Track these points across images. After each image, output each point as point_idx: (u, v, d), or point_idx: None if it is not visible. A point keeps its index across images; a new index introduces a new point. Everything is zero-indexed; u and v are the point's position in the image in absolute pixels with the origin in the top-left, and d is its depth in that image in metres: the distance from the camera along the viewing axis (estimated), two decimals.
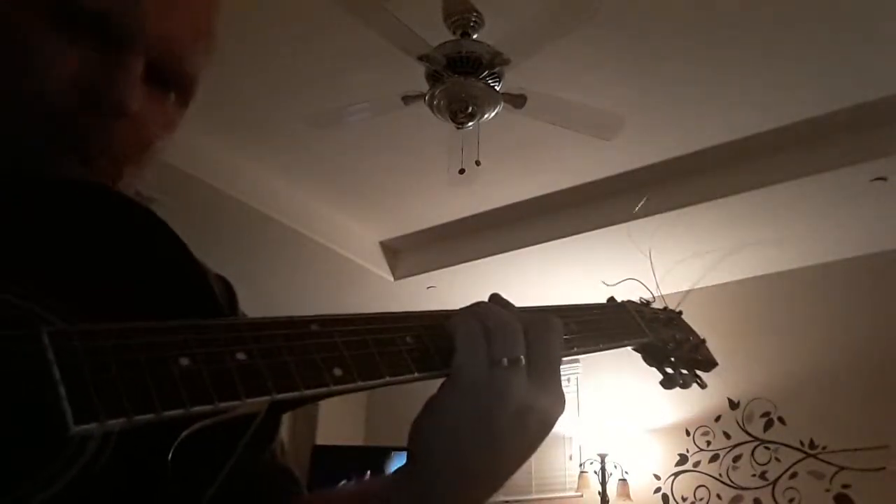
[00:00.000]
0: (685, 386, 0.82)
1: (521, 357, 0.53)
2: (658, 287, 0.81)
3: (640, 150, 3.69)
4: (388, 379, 0.49)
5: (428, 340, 0.53)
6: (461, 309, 0.56)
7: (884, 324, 4.12)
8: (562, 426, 4.88)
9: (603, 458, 4.47)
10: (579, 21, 2.68)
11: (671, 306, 0.89)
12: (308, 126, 3.21)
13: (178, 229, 0.54)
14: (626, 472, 4.52)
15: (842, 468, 4.05)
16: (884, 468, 3.91)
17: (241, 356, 0.43)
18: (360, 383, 0.47)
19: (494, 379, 0.51)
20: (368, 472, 5.01)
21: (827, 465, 4.11)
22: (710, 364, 0.86)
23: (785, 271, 4.51)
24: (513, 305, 0.58)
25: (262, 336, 0.45)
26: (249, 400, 0.42)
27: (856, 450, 4.00)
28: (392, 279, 4.67)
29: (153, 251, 0.51)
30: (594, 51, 3.03)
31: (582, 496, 4.56)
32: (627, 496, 4.42)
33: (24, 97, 0.52)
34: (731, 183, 3.73)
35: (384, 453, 5.21)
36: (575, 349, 0.65)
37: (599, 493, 4.42)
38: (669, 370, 0.82)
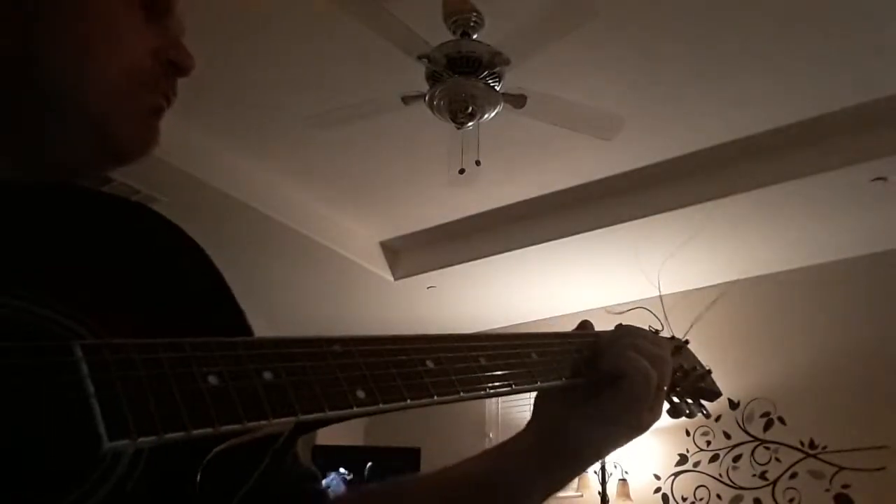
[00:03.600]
0: (691, 416, 0.85)
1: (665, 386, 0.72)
2: (666, 318, 0.82)
3: (640, 150, 3.69)
4: (408, 402, 0.50)
5: (447, 364, 0.54)
6: (623, 342, 0.70)
7: (884, 324, 4.12)
8: None
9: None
10: (579, 21, 2.68)
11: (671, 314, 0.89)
12: (308, 126, 3.21)
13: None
14: (626, 472, 4.52)
15: (842, 468, 4.05)
16: (884, 468, 3.91)
17: (267, 375, 0.44)
18: (382, 406, 0.48)
19: (657, 401, 0.71)
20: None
21: (827, 465, 4.11)
22: (714, 394, 0.87)
23: (785, 271, 4.51)
24: (662, 339, 0.77)
25: (286, 355, 0.46)
26: (276, 420, 0.42)
27: (856, 450, 4.00)
28: (392, 279, 4.67)
29: (178, 266, 0.53)
30: (594, 51, 3.03)
31: (582, 496, 4.56)
32: (627, 496, 4.42)
33: (116, 71, 0.58)
34: (731, 183, 3.73)
35: (384, 453, 5.22)
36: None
37: (599, 493, 4.43)
38: (676, 399, 0.84)
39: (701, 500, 4.42)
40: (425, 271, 4.58)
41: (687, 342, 0.88)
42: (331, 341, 0.49)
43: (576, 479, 4.55)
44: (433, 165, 3.67)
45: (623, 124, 3.14)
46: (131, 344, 0.40)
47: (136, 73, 0.59)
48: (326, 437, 5.25)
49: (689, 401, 0.85)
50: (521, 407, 5.06)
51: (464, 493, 0.68)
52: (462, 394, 0.54)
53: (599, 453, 0.71)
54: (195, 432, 0.39)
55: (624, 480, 4.47)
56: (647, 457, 4.59)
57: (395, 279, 4.67)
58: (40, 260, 0.45)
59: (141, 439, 0.37)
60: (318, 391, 0.45)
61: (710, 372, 0.87)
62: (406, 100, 3.02)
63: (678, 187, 3.84)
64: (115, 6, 0.59)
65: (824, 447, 4.13)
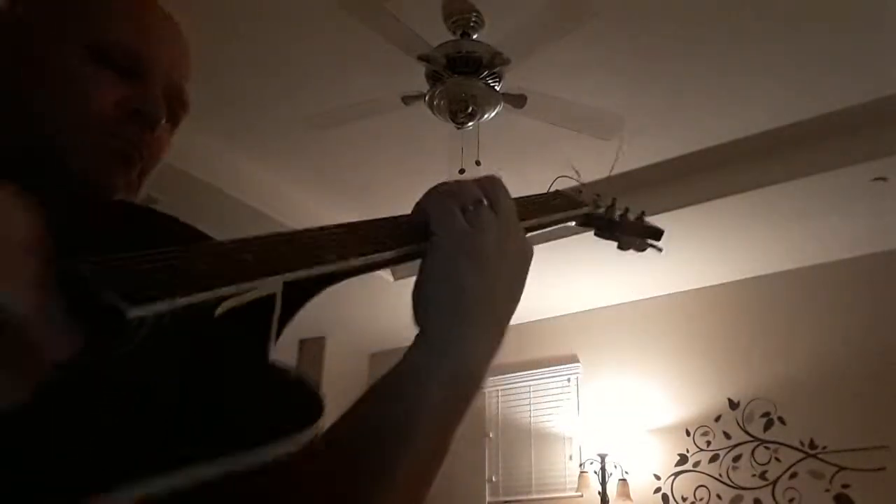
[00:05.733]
0: (641, 249, 0.91)
1: (483, 199, 0.67)
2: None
3: (639, 150, 3.69)
4: (378, 255, 0.60)
5: (404, 226, 0.66)
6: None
7: (883, 324, 4.12)
8: (562, 426, 4.88)
9: (603, 458, 4.47)
10: (579, 21, 2.68)
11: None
12: (308, 126, 3.21)
13: None
14: (626, 472, 4.52)
15: (842, 468, 4.05)
16: (884, 468, 3.91)
17: (248, 256, 0.52)
18: (352, 260, 0.57)
19: (471, 221, 0.64)
20: None
21: (827, 465, 4.10)
22: (657, 232, 0.93)
23: (785, 271, 4.50)
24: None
25: (260, 243, 0.55)
26: (263, 279, 0.50)
27: (856, 450, 4.00)
28: (392, 279, 4.67)
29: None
30: (594, 51, 3.03)
31: (582, 496, 4.56)
32: (627, 496, 4.42)
33: (73, 116, 0.65)
34: (731, 183, 3.73)
35: None
36: (536, 220, 0.80)
37: (599, 493, 4.42)
38: (623, 236, 0.90)
39: (701, 500, 4.42)
40: None
41: (643, 214, 0.95)
42: (301, 231, 0.58)
43: (576, 479, 4.59)
44: (433, 165, 3.67)
45: (623, 124, 3.14)
46: (127, 255, 0.47)
47: (97, 120, 0.66)
48: None
49: (636, 238, 0.91)
50: (521, 407, 5.06)
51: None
52: (419, 242, 0.64)
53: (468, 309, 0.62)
54: (198, 295, 0.45)
55: (624, 480, 4.47)
56: (647, 457, 4.59)
57: (395, 279, 4.67)
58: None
59: (158, 304, 0.43)
60: (293, 257, 0.54)
61: (643, 213, 0.95)
62: (406, 100, 3.02)
63: (677, 187, 3.84)
64: (73, 68, 0.66)
65: (824, 447, 4.13)
